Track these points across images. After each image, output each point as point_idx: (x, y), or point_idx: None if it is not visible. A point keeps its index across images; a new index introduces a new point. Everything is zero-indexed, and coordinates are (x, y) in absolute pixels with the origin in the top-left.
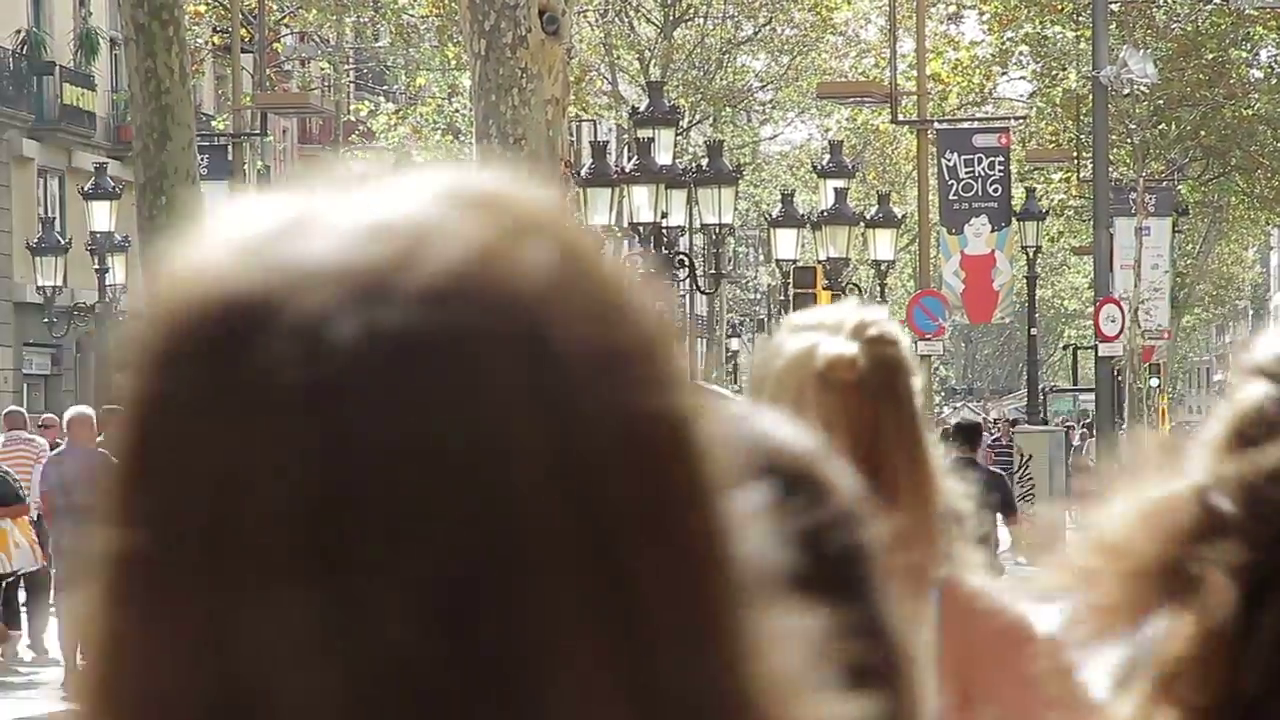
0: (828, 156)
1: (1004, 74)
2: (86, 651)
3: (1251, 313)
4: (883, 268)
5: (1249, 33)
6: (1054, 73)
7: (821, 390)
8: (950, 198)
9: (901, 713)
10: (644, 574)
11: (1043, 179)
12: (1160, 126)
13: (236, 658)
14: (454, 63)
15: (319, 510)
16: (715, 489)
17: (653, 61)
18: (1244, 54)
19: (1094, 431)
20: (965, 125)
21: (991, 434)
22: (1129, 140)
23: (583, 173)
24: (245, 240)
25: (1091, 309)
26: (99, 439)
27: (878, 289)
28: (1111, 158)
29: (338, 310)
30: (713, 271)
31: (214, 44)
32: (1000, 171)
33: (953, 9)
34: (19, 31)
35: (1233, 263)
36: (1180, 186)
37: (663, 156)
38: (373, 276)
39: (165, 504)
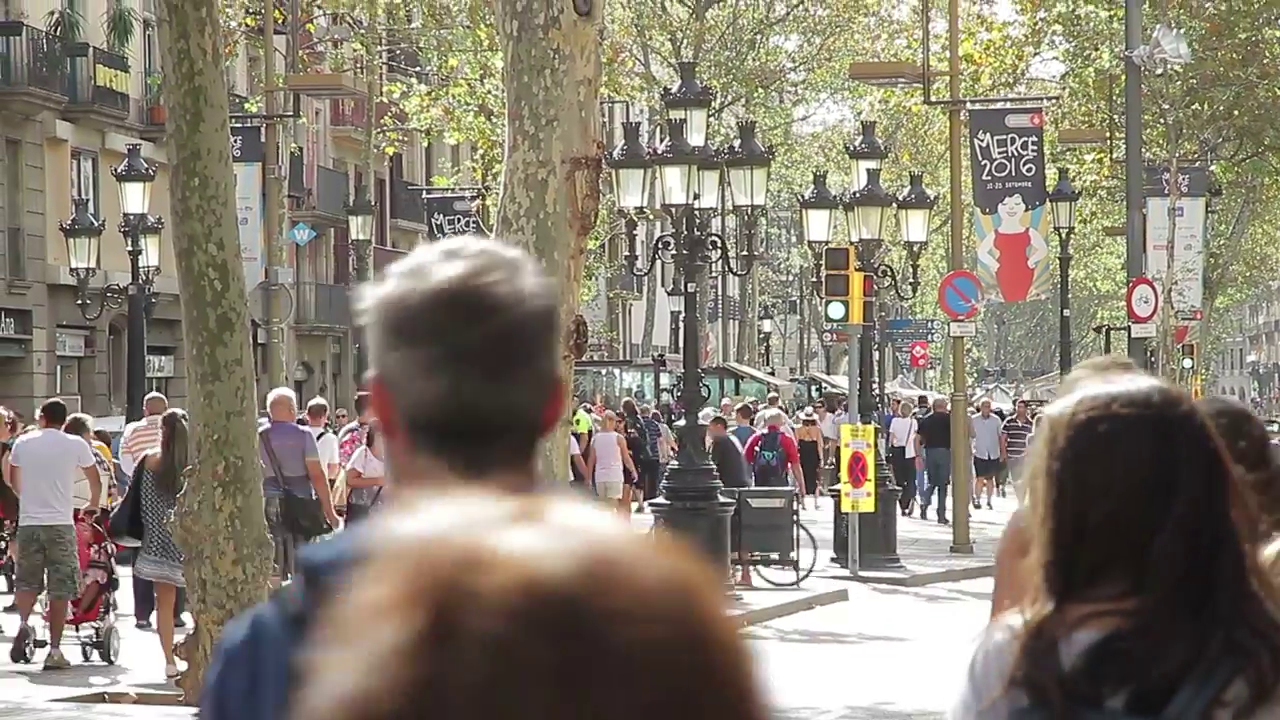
0: (860, 137)
1: (1036, 54)
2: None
3: None
4: (915, 249)
5: None
6: (1086, 53)
7: None
8: (984, 178)
9: None
10: None
11: (1075, 159)
12: (1193, 106)
13: None
14: (486, 43)
15: None
16: None
17: (685, 42)
18: (1278, 33)
19: None
20: (998, 106)
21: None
22: (1162, 120)
23: (615, 154)
24: None
25: (1124, 290)
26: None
27: (910, 270)
28: (1144, 138)
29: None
30: (745, 253)
31: (247, 25)
32: (1033, 151)
33: None
34: (53, 13)
35: (1266, 243)
36: (1213, 167)
37: (695, 138)
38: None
39: None
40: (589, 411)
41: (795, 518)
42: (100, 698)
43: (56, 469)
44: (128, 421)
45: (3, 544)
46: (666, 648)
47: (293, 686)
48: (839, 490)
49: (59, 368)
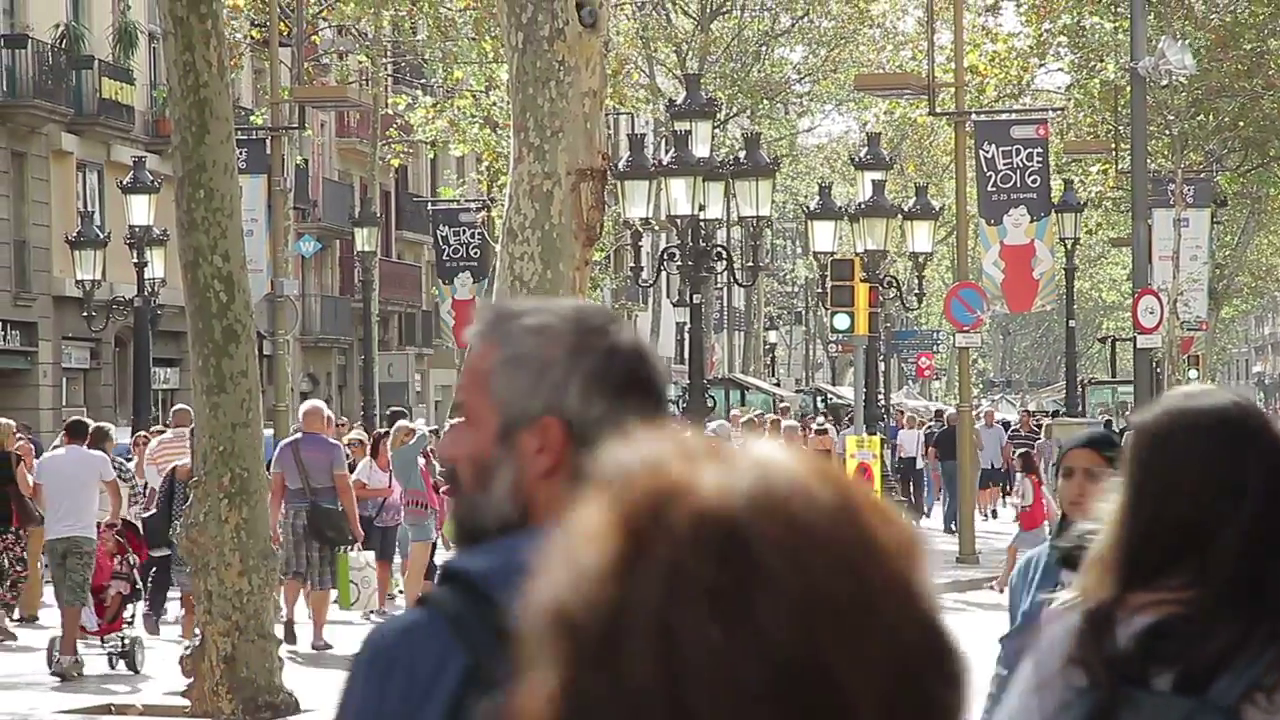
0: (865, 149)
1: (1042, 65)
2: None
3: None
4: (920, 260)
5: None
6: (1092, 64)
7: None
8: (989, 189)
9: None
10: None
11: (1080, 171)
12: (1198, 118)
13: None
14: (491, 55)
15: None
16: None
17: (690, 54)
18: None
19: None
20: (1003, 117)
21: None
22: (1167, 131)
23: (620, 165)
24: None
25: (1130, 301)
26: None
27: (915, 281)
28: (1149, 149)
29: None
30: (750, 264)
31: (252, 38)
32: (1039, 163)
33: (990, 1)
34: (58, 26)
35: (1272, 254)
36: (1218, 178)
37: (700, 149)
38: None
39: None
40: None
41: None
42: (107, 709)
43: (79, 484)
44: (133, 434)
45: (22, 553)
46: (823, 571)
47: (461, 686)
48: None
49: (64, 380)
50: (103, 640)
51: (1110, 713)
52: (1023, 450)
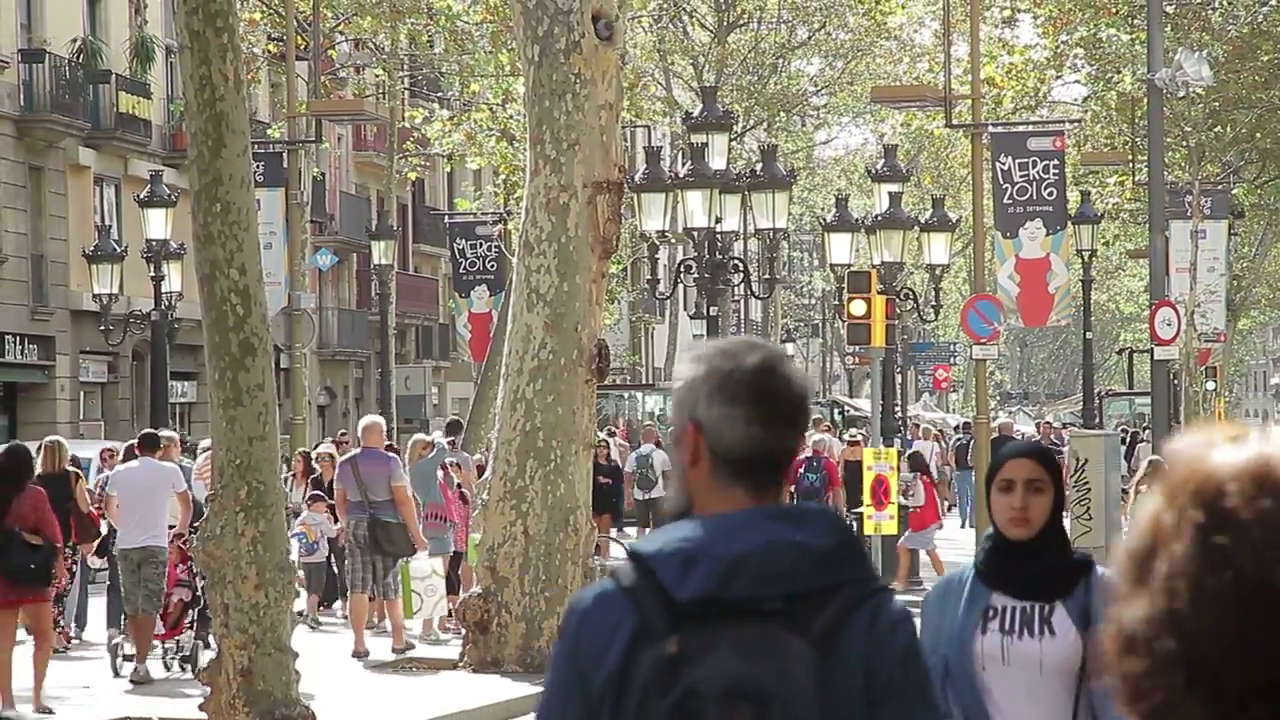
0: (882, 161)
1: (1058, 77)
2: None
3: None
4: (937, 272)
5: None
6: (1108, 75)
7: None
8: (1005, 201)
9: None
10: None
11: (1097, 182)
12: (1215, 129)
13: None
14: (508, 68)
15: None
16: None
17: (706, 66)
18: None
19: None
20: (1020, 129)
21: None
22: (1184, 143)
23: (636, 178)
24: None
25: (1147, 312)
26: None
27: (932, 293)
28: (1166, 161)
29: None
30: (767, 276)
31: (269, 51)
32: (1055, 175)
33: (1007, 13)
34: (75, 40)
35: None
36: (1236, 189)
37: (717, 161)
38: None
39: None
40: (613, 435)
41: None
42: None
43: (153, 496)
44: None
45: (71, 566)
46: (1277, 521)
47: (632, 639)
48: (861, 512)
49: (82, 393)
50: (163, 645)
51: None
52: (912, 451)
